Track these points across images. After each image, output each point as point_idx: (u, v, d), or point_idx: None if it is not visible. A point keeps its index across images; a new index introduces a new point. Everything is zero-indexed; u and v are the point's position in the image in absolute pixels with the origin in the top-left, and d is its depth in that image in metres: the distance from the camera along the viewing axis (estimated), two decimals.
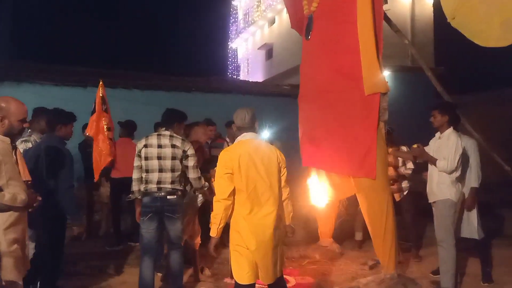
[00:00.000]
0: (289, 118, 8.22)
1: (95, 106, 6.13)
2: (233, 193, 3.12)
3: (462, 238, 4.55)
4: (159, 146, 4.08)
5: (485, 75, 15.76)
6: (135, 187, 4.11)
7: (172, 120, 4.26)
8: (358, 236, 6.20)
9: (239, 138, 3.29)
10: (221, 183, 3.12)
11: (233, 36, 24.03)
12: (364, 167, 4.55)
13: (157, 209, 3.99)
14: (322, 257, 5.55)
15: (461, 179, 4.40)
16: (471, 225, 4.59)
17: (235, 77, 23.29)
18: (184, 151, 4.10)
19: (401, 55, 13.27)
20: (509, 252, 5.54)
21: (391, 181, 5.27)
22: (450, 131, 4.36)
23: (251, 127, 3.29)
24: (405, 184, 5.56)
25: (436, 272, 4.69)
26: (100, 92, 6.17)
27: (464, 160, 4.39)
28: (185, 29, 41.06)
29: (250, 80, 17.86)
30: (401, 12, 14.65)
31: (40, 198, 2.98)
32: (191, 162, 4.12)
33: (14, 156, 2.85)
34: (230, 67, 24.16)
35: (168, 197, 4.01)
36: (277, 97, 11.76)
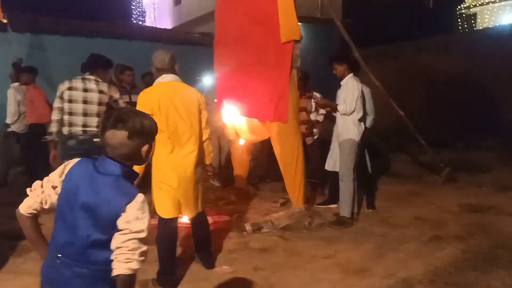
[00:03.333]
0: (200, 67, 8.06)
1: None
2: None
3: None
4: (85, 90, 4.10)
5: (387, 29, 16.69)
6: (54, 128, 4.05)
7: (97, 65, 4.27)
8: None
9: (158, 79, 3.32)
10: None
11: None
12: (277, 111, 4.77)
13: (83, 152, 3.91)
14: (237, 198, 5.87)
15: (362, 120, 4.85)
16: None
17: (141, 23, 21.96)
18: (111, 97, 4.25)
19: (311, 6, 13.43)
20: (394, 188, 6.35)
21: (304, 126, 5.62)
22: (348, 77, 4.79)
23: (171, 69, 3.33)
24: (316, 129, 5.89)
25: (320, 204, 5.48)
26: None
27: (363, 102, 4.85)
28: None
29: (158, 27, 16.96)
30: None
31: None
32: (118, 105, 4.27)
33: None
34: (135, 12, 22.67)
35: (94, 139, 4.08)
36: (187, 45, 11.37)
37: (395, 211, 5.21)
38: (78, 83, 4.12)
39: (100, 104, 4.14)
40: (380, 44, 13.34)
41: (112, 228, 1.63)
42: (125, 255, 1.60)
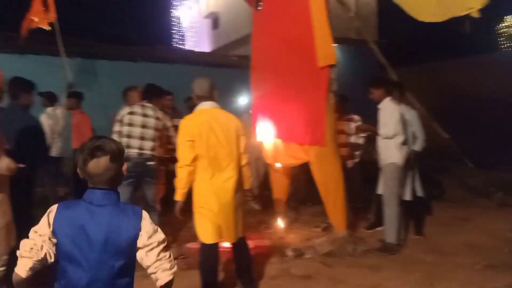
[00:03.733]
0: (238, 89, 8.14)
1: None
2: (195, 159, 3.25)
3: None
4: (144, 115, 4.44)
5: (425, 48, 16.40)
6: None
7: (152, 94, 4.69)
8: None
9: (199, 106, 3.40)
10: (183, 150, 3.24)
11: (176, 3, 23.14)
12: (315, 135, 4.77)
13: (137, 174, 4.26)
14: (277, 223, 5.72)
15: (404, 143, 4.71)
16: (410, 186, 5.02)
17: (181, 46, 22.58)
18: (164, 125, 4.67)
19: (345, 27, 13.40)
20: (443, 213, 6.07)
21: (344, 149, 5.57)
22: (387, 100, 4.70)
23: (210, 96, 3.42)
24: (356, 152, 5.79)
25: (369, 227, 5.28)
26: None
27: (404, 125, 4.74)
28: None
29: (197, 50, 17.39)
30: None
31: (22, 165, 2.90)
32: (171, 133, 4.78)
33: None
34: (175, 36, 23.37)
35: (147, 163, 4.36)
36: (225, 68, 11.57)
37: (444, 238, 4.98)
38: (137, 108, 4.45)
39: (156, 129, 4.44)
40: (418, 64, 13.12)
41: (133, 250, 1.75)
42: (167, 264, 1.78)
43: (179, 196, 3.29)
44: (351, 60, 12.59)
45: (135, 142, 4.31)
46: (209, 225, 3.28)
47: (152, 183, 4.41)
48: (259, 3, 5.28)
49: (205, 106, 3.39)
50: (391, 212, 4.61)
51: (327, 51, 4.68)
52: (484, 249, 4.52)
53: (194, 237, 3.64)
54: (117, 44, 11.43)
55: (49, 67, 8.62)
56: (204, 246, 3.33)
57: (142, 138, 4.34)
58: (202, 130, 3.24)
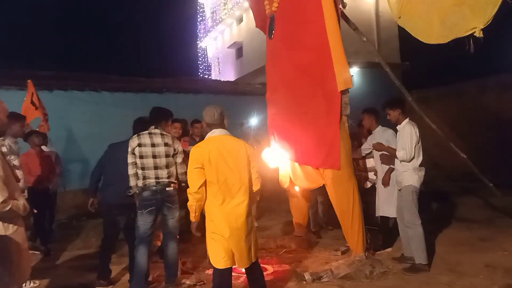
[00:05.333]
0: (263, 116, 8.34)
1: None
2: (203, 185, 3.36)
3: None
4: (153, 145, 4.34)
5: (448, 70, 16.29)
6: (132, 182, 4.31)
7: (161, 118, 4.50)
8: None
9: (209, 134, 3.53)
10: (191, 177, 3.36)
11: (201, 35, 23.93)
12: (329, 159, 4.84)
13: (157, 201, 4.30)
14: (297, 247, 5.83)
15: (422, 165, 4.76)
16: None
17: (206, 76, 23.23)
18: (175, 149, 4.45)
19: (367, 51, 13.56)
20: (463, 233, 6.06)
21: (361, 171, 5.69)
22: (405, 122, 4.78)
23: (220, 124, 3.54)
24: (371, 175, 5.83)
25: (377, 249, 5.28)
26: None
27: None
28: (153, 29, 40.64)
29: (222, 80, 17.86)
30: (365, 8, 14.96)
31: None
32: (179, 158, 4.48)
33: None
34: (201, 67, 24.10)
35: (166, 188, 4.35)
36: (249, 96, 11.83)
37: (463, 258, 4.93)
38: (146, 139, 4.34)
39: (167, 156, 4.37)
40: (442, 85, 13.06)
41: None
42: None
43: (192, 218, 3.46)
44: (375, 83, 12.67)
45: (151, 173, 4.31)
46: (221, 250, 3.32)
47: (173, 208, 4.41)
48: (272, 32, 5.47)
49: (215, 134, 3.50)
50: (415, 233, 4.64)
51: (346, 76, 4.79)
52: (504, 270, 4.45)
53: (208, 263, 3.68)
54: (143, 76, 11.88)
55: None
56: (217, 271, 3.37)
57: (156, 168, 4.32)
58: (211, 157, 3.32)
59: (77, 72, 10.84)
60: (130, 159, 4.32)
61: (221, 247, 3.34)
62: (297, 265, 5.07)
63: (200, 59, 24.24)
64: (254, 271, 3.54)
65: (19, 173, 4.41)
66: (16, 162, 4.52)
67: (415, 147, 4.65)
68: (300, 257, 5.40)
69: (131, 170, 4.30)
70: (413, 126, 4.76)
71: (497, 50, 12.33)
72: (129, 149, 4.31)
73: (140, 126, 4.59)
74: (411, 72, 14.94)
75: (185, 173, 4.25)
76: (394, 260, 4.99)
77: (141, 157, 4.30)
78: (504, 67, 13.07)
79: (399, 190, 4.84)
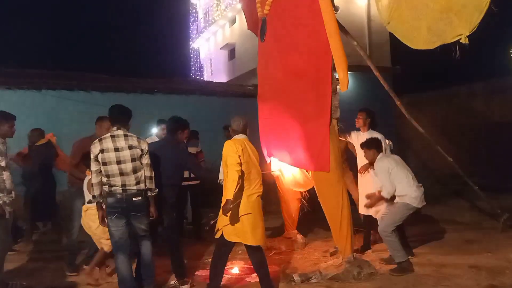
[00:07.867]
0: (254, 118, 8.38)
1: None
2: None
3: None
4: (116, 150, 3.95)
5: (439, 74, 16.48)
6: (96, 191, 3.96)
7: (124, 117, 4.17)
8: None
9: (235, 137, 4.23)
10: (235, 158, 3.92)
11: (194, 36, 23.91)
12: (319, 161, 4.89)
13: (123, 209, 3.99)
14: (287, 248, 5.89)
15: (419, 187, 4.89)
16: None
17: (199, 77, 23.21)
18: (142, 150, 4.05)
19: (359, 54, 13.67)
20: (450, 235, 6.20)
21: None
22: (377, 160, 4.94)
23: (243, 131, 4.28)
24: None
25: (360, 250, 5.41)
26: None
27: (405, 170, 4.93)
28: (145, 29, 40.52)
29: (214, 81, 17.86)
30: (357, 13, 15.05)
31: None
32: (145, 159, 4.07)
33: None
34: (193, 68, 24.06)
35: (133, 198, 4.01)
36: (241, 97, 11.81)
37: (449, 259, 5.03)
38: (108, 143, 3.95)
39: (133, 160, 3.98)
40: (432, 89, 13.22)
41: None
42: None
43: (231, 194, 3.87)
44: (365, 87, 12.74)
45: (117, 180, 3.94)
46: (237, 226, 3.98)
47: (141, 216, 4.08)
48: (264, 34, 5.50)
49: (239, 137, 4.21)
50: (390, 240, 4.77)
51: (347, 78, 4.75)
52: (487, 271, 4.55)
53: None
54: (134, 76, 11.82)
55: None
56: (223, 239, 4.04)
57: (122, 174, 3.95)
58: (244, 152, 4.02)
59: (67, 71, 10.77)
60: (93, 167, 3.94)
61: (250, 225, 4.01)
62: (286, 266, 5.12)
63: (192, 60, 24.23)
64: (259, 250, 4.17)
65: (6, 174, 4.29)
66: (2, 164, 4.30)
67: (389, 179, 4.78)
68: (289, 259, 5.46)
69: (94, 179, 3.94)
70: (383, 159, 4.93)
71: (486, 56, 12.51)
72: (92, 156, 3.95)
73: (175, 126, 4.89)
74: (402, 76, 15.08)
75: (151, 177, 4.11)
76: (382, 261, 5.07)
77: (104, 163, 3.91)
78: (492, 73, 13.31)
79: (396, 201, 4.92)
